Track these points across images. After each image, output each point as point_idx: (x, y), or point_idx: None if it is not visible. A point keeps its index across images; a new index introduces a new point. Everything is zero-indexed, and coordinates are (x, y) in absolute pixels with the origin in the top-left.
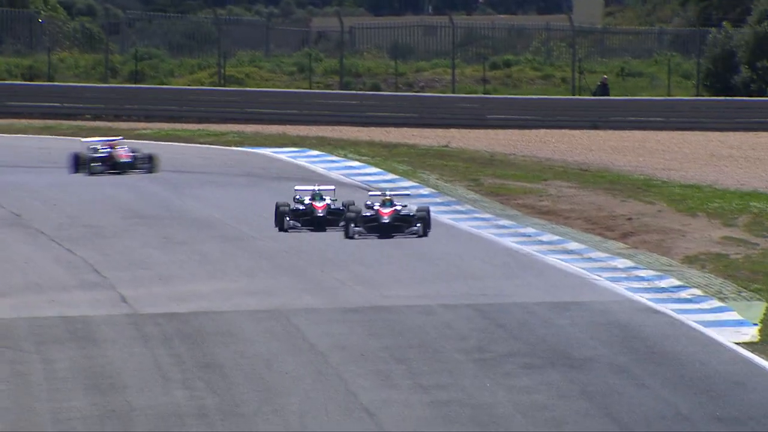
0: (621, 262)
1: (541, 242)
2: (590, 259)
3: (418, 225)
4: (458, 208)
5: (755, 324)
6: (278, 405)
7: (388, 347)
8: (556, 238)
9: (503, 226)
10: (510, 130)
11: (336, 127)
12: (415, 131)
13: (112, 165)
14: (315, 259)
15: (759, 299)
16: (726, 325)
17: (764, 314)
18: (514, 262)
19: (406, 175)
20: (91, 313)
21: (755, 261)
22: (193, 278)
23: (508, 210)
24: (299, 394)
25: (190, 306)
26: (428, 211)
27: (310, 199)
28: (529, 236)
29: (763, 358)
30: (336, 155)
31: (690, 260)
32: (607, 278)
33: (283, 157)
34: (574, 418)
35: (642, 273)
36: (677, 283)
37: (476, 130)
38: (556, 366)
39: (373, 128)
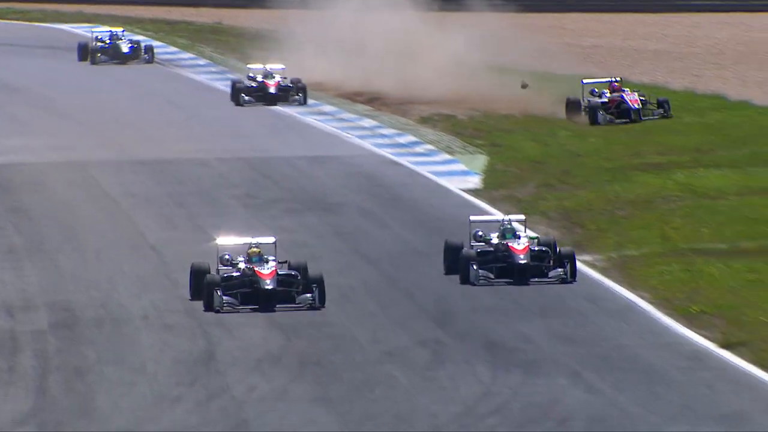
0: (367, 122)
1: None
2: (342, 120)
3: (314, 289)
4: (230, 76)
5: (478, 173)
6: (77, 243)
7: (171, 194)
8: (312, 101)
9: None
10: (283, 11)
11: (125, 6)
12: (194, 10)
13: None
14: (110, 119)
15: (481, 153)
16: (454, 175)
17: (485, 165)
18: (279, 122)
19: (185, 48)
20: None
21: (478, 121)
22: (2, 135)
23: None
24: (96, 234)
25: (0, 159)
26: (321, 279)
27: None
28: None
29: (484, 201)
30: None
31: (424, 120)
32: (357, 136)
33: (79, 31)
34: (329, 254)
35: (384, 131)
36: (414, 139)
37: (247, 10)
38: (314, 210)
39: (155, 7)
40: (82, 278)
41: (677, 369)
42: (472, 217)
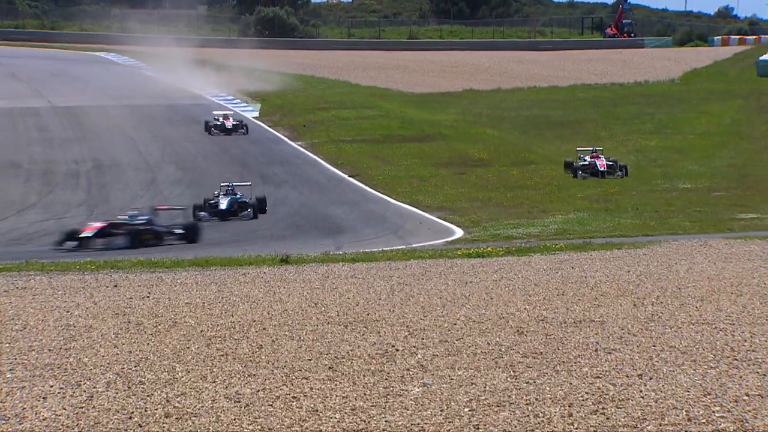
0: (215, 91)
1: None
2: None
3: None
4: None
5: (258, 110)
6: (104, 141)
7: (136, 121)
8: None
9: None
10: None
11: None
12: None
13: None
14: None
15: (259, 103)
16: (249, 111)
17: (261, 108)
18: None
19: None
20: None
21: (258, 93)
22: None
23: None
24: (110, 135)
25: None
26: None
27: None
28: None
29: (260, 121)
30: None
31: (237, 91)
32: (210, 96)
33: None
34: (195, 140)
35: (221, 94)
36: (232, 97)
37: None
38: (187, 125)
39: None
40: (105, 149)
41: (330, 182)
42: (222, 183)
